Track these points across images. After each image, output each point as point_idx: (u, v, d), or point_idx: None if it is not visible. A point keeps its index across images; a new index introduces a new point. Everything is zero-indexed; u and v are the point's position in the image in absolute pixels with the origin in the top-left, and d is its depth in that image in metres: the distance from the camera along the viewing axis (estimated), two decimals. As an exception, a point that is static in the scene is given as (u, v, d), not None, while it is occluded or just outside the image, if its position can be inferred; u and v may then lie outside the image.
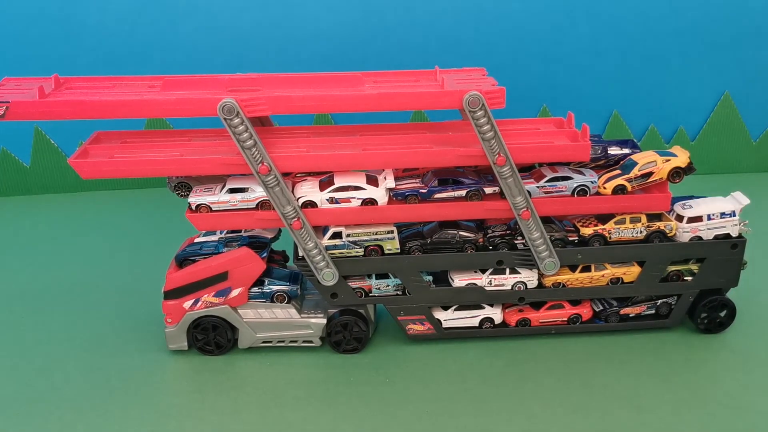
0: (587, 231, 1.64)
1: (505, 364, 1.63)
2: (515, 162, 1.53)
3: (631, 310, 1.72)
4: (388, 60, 2.57)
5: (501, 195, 1.59)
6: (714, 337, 1.72)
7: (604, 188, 1.59)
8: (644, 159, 1.59)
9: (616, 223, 1.64)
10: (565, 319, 1.72)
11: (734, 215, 1.65)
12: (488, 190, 1.60)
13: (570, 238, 1.65)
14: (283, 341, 1.68)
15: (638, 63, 2.68)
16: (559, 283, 1.68)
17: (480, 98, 1.46)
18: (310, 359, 1.66)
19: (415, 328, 1.69)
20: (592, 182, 1.61)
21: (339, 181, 1.58)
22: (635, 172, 1.58)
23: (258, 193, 1.55)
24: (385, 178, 1.61)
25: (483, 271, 1.68)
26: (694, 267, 1.69)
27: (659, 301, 1.72)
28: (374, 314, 1.74)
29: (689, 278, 1.70)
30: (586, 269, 1.68)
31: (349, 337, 1.66)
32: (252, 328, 1.65)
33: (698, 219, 1.64)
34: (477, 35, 2.60)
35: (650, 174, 1.56)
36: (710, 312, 1.71)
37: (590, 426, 1.43)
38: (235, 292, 1.62)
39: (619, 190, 1.58)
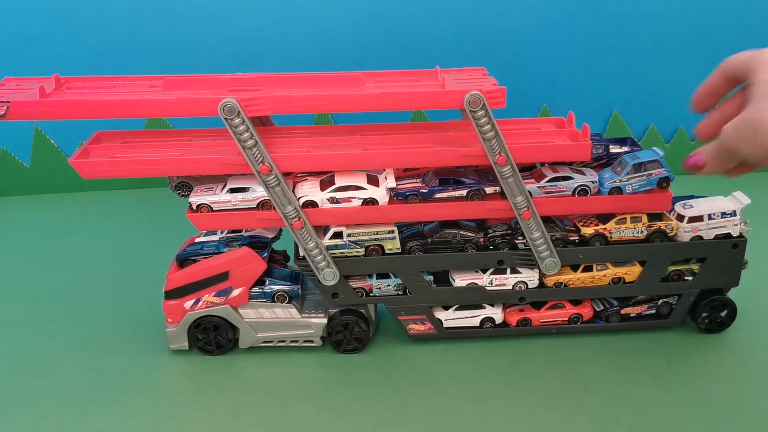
0: (588, 231, 1.64)
1: (506, 363, 1.63)
2: (516, 162, 1.53)
3: (631, 310, 1.72)
4: (388, 60, 2.57)
5: (502, 195, 1.59)
6: (714, 337, 1.72)
7: None
8: None
9: (616, 222, 1.64)
10: (566, 318, 1.72)
11: (735, 215, 1.65)
12: (489, 189, 1.60)
13: (571, 238, 1.65)
14: (283, 341, 1.68)
15: (638, 63, 2.67)
16: (561, 282, 1.68)
17: (481, 98, 1.46)
18: (310, 359, 1.66)
19: (416, 327, 1.69)
20: (592, 182, 1.61)
21: (340, 181, 1.58)
22: None
23: (259, 192, 1.55)
24: (385, 177, 1.61)
25: (484, 271, 1.68)
26: (695, 267, 1.69)
27: (660, 301, 1.72)
28: (375, 314, 1.74)
29: (690, 278, 1.70)
30: (588, 269, 1.68)
31: (350, 336, 1.66)
32: (253, 327, 1.65)
33: (699, 219, 1.64)
34: (477, 35, 2.60)
35: None
36: (711, 312, 1.71)
37: (590, 426, 1.43)
38: (235, 292, 1.62)
39: None
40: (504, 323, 1.72)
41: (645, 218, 1.64)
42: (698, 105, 1.25)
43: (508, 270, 1.67)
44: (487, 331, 1.71)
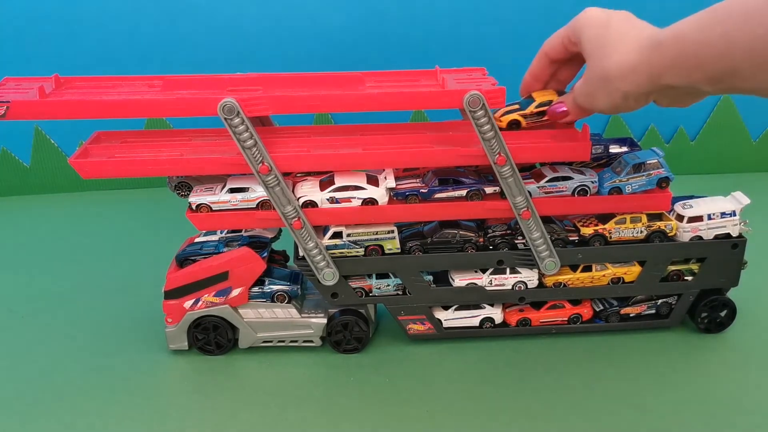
0: (588, 231, 1.64)
1: (505, 364, 1.63)
2: (515, 162, 1.53)
3: (631, 310, 1.72)
4: (388, 60, 2.57)
5: (501, 195, 1.59)
6: (714, 337, 1.72)
7: (500, 121, 1.53)
8: (542, 97, 1.52)
9: (616, 222, 1.64)
10: (566, 318, 1.72)
11: (735, 215, 1.65)
12: (489, 190, 1.60)
13: (570, 238, 1.65)
14: (283, 341, 1.68)
15: (638, 63, 2.67)
16: (560, 282, 1.68)
17: (480, 98, 1.46)
18: (310, 359, 1.66)
19: (416, 327, 1.69)
20: (592, 182, 1.61)
21: (339, 181, 1.58)
22: (531, 108, 1.52)
23: (258, 192, 1.55)
24: (385, 177, 1.61)
25: (483, 271, 1.68)
26: (695, 267, 1.69)
27: (659, 301, 1.72)
28: (375, 314, 1.74)
29: (690, 278, 1.70)
30: (587, 269, 1.68)
31: (350, 336, 1.66)
32: (252, 327, 1.65)
33: (699, 219, 1.64)
34: (477, 35, 2.60)
35: (545, 113, 1.51)
36: (710, 312, 1.71)
37: (590, 426, 1.43)
38: (235, 292, 1.62)
39: (514, 124, 1.53)
40: (504, 323, 1.72)
41: (644, 218, 1.64)
42: (525, 91, 1.41)
43: (508, 270, 1.67)
44: (486, 331, 1.71)
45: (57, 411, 1.48)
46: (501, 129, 1.50)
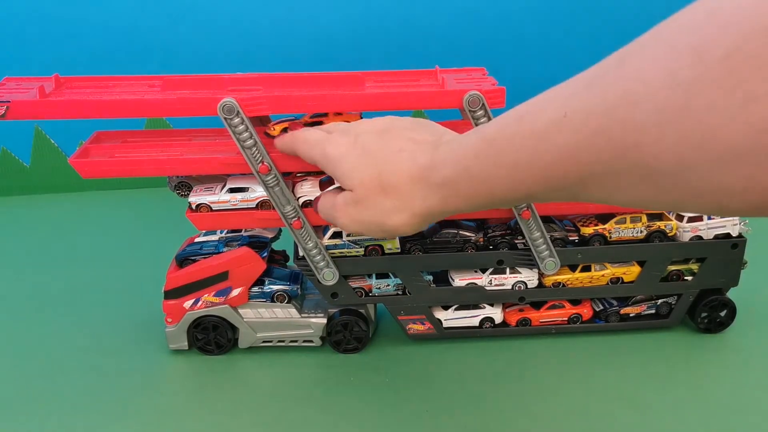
0: (588, 230, 1.64)
1: (505, 363, 1.63)
2: (515, 162, 1.53)
3: (631, 310, 1.72)
4: (388, 60, 2.57)
5: (501, 195, 1.58)
6: (714, 337, 1.72)
7: (273, 129, 1.53)
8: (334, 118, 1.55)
9: (616, 222, 1.64)
10: (566, 318, 1.72)
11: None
12: (488, 189, 1.60)
13: (570, 238, 1.65)
14: (283, 341, 1.68)
15: (638, 63, 2.67)
16: (560, 282, 1.68)
17: (480, 98, 1.46)
18: (310, 359, 1.66)
19: (416, 327, 1.69)
20: (592, 182, 1.61)
21: (339, 181, 1.58)
22: (305, 119, 1.55)
23: (258, 192, 1.56)
24: (385, 177, 1.61)
25: (483, 271, 1.68)
26: (695, 267, 1.69)
27: (659, 301, 1.72)
28: (374, 314, 1.74)
29: (689, 278, 1.70)
30: (587, 269, 1.68)
31: (350, 336, 1.66)
32: (252, 327, 1.65)
33: (698, 218, 1.64)
34: (477, 35, 2.60)
35: (321, 123, 1.52)
36: (710, 312, 1.72)
37: (590, 426, 1.43)
38: (235, 292, 1.62)
39: (284, 131, 1.53)
40: (503, 323, 1.72)
41: (644, 218, 1.64)
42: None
43: (508, 270, 1.67)
44: (486, 331, 1.71)
45: (57, 411, 1.48)
46: (273, 137, 1.51)
